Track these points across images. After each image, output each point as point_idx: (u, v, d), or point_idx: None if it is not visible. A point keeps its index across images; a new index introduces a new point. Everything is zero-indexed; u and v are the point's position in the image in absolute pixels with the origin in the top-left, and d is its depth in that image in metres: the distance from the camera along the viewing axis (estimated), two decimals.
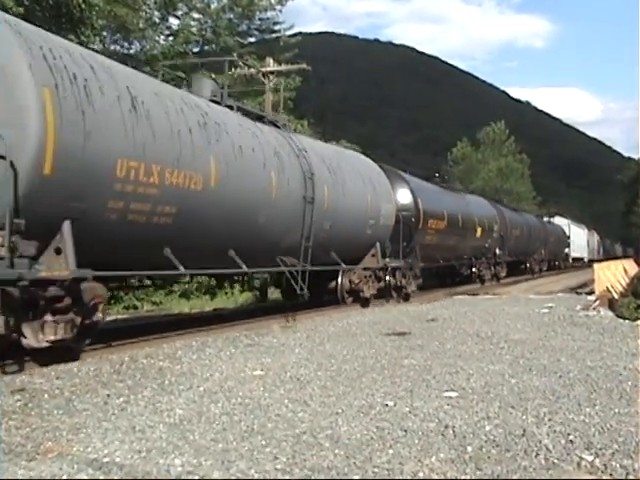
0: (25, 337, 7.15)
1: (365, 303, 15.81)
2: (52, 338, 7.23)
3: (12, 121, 7.06)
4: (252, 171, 11.19)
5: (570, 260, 50.19)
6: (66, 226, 7.49)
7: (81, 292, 7.73)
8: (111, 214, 8.23)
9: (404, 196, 18.29)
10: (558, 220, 49.34)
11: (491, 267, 27.83)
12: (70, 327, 7.50)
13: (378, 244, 16.24)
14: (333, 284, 15.26)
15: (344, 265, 14.87)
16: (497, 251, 28.01)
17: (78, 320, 7.69)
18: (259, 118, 13.08)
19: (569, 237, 49.73)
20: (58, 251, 7.44)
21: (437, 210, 20.68)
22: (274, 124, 13.49)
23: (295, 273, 12.84)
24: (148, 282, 13.33)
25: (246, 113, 12.74)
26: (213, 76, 25.70)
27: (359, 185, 15.42)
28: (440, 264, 21.83)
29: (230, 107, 12.17)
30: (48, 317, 7.25)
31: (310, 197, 12.92)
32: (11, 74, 7.12)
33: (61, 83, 7.49)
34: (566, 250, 48.96)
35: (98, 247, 8.24)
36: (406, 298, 17.81)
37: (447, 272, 24.22)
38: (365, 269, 15.92)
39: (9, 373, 7.00)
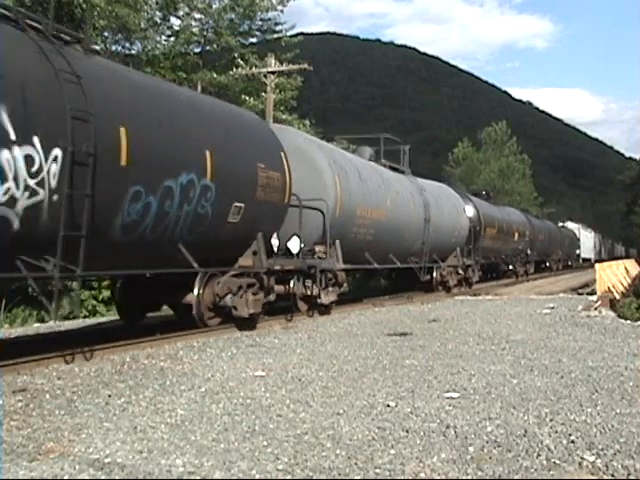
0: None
1: (449, 290, 21.35)
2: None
3: (322, 192, 13.33)
4: (402, 205, 17.63)
5: (580, 260, 55.47)
6: (337, 243, 13.96)
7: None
8: (353, 235, 14.95)
9: (470, 211, 24.30)
10: (570, 225, 55.90)
11: (524, 265, 34.03)
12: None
13: (458, 248, 22.23)
14: (428, 277, 20.51)
15: (441, 263, 20.85)
16: (528, 251, 34.25)
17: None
18: (396, 169, 19.36)
19: (579, 240, 55.87)
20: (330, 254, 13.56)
21: (491, 220, 26.99)
22: (403, 172, 19.71)
23: (418, 267, 19.33)
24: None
25: (391, 167, 18.97)
26: (215, 75, 25.78)
27: (449, 208, 21.54)
28: (491, 261, 27.90)
29: (384, 165, 18.48)
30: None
31: (427, 218, 19.13)
32: (320, 168, 13.65)
33: (339, 171, 14.19)
34: (577, 251, 55.11)
35: (349, 251, 14.49)
36: (469, 286, 23.39)
37: (492, 268, 29.47)
38: (449, 266, 21.54)
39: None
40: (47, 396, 6.01)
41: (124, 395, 6.11)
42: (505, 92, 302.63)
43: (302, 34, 33.03)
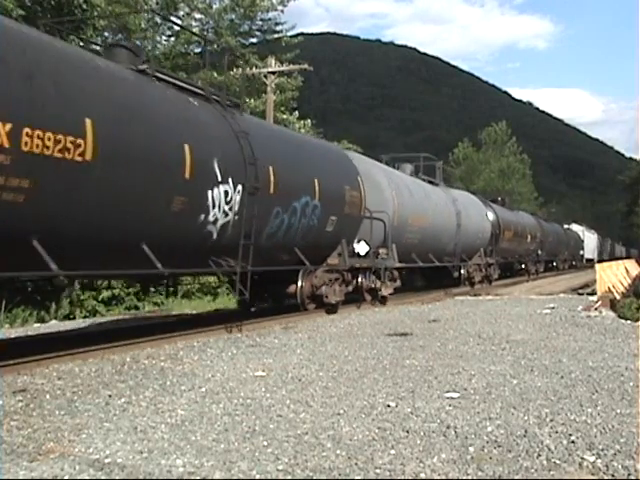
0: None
1: (473, 286, 24.32)
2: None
3: (384, 206, 15.86)
4: (440, 214, 20.60)
5: (584, 260, 57.48)
6: (394, 246, 16.50)
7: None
8: (405, 239, 17.51)
9: (491, 216, 27.20)
10: (574, 227, 58.09)
11: (535, 264, 36.71)
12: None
13: (482, 249, 25.37)
14: (457, 274, 23.62)
15: (468, 262, 24.11)
16: (539, 252, 37.10)
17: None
18: (432, 182, 22.65)
19: (583, 241, 58.28)
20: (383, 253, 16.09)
21: (508, 224, 29.96)
22: (437, 185, 23.08)
23: (451, 266, 22.64)
24: None
25: (429, 181, 22.32)
26: (215, 75, 25.77)
27: (475, 214, 24.68)
28: (508, 260, 30.71)
29: (422, 179, 21.70)
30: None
31: (459, 224, 22.06)
32: (382, 187, 16.39)
33: (395, 188, 17.07)
34: (581, 252, 57.62)
35: (401, 252, 17.07)
36: (490, 283, 26.36)
37: (508, 267, 31.87)
38: (474, 264, 24.52)
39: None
40: (47, 396, 6.01)
41: (124, 395, 6.11)
42: (505, 92, 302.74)
43: (302, 34, 33.08)
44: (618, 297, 15.69)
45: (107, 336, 9.43)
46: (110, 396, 6.06)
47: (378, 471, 4.12)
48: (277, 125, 15.27)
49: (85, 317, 16.26)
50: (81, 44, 17.13)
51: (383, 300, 16.22)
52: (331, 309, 13.74)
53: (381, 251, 15.87)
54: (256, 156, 10.58)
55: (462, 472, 4.10)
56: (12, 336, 11.53)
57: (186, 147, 9.06)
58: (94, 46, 17.26)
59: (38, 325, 14.21)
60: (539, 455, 4.43)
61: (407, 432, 4.97)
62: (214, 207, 9.68)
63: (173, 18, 25.22)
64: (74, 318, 15.84)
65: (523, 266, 34.42)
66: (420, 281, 23.62)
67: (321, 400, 5.99)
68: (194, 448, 4.55)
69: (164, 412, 5.52)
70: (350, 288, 14.80)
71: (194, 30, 27.08)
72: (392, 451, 4.51)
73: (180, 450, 4.50)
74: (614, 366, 7.75)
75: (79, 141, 7.27)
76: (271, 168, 11.13)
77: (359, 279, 15.15)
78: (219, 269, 10.55)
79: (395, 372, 7.32)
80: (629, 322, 12.38)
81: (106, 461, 4.24)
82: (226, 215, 10.01)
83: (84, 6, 18.00)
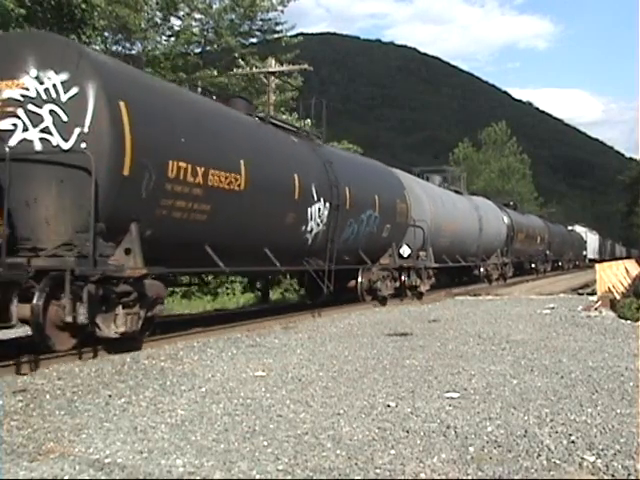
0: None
1: (491, 282, 27.29)
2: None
3: (423, 215, 18.45)
4: (465, 219, 23.39)
5: (587, 260, 59.14)
6: (430, 249, 18.93)
7: None
8: (439, 243, 19.97)
9: (506, 219, 29.97)
10: (578, 228, 60.54)
11: (543, 263, 39.69)
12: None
13: (498, 249, 28.30)
14: (476, 271, 26.95)
15: (488, 261, 27.29)
16: (547, 252, 40.09)
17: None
18: (457, 192, 25.53)
19: (586, 242, 60.60)
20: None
21: (520, 227, 32.63)
22: (461, 194, 26.01)
23: (474, 265, 25.95)
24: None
25: (455, 191, 25.19)
26: (215, 74, 25.76)
27: (493, 218, 27.57)
28: (520, 260, 33.39)
29: (449, 189, 24.57)
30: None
31: (480, 228, 24.92)
32: (421, 199, 18.69)
33: (430, 199, 19.69)
34: (584, 252, 59.98)
35: (435, 254, 19.49)
36: (504, 280, 28.93)
37: (519, 266, 34.01)
38: (492, 263, 27.66)
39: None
40: (47, 396, 6.01)
41: (124, 395, 6.11)
42: (505, 92, 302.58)
43: (302, 34, 32.97)
44: (618, 297, 15.68)
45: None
46: (110, 396, 6.06)
47: (378, 471, 4.12)
48: (348, 152, 17.83)
49: None
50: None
51: (420, 295, 18.72)
52: (382, 300, 16.45)
53: (421, 253, 18.60)
54: (337, 180, 13.69)
55: (462, 472, 4.10)
56: (12, 336, 11.52)
57: (295, 176, 12.17)
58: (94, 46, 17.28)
59: None
60: (539, 455, 4.43)
61: (407, 432, 4.97)
62: (311, 220, 12.77)
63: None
64: None
65: (533, 265, 36.97)
66: (444, 278, 24.77)
67: (321, 400, 5.99)
68: (194, 448, 4.55)
69: (164, 412, 5.52)
70: (397, 284, 17.38)
71: (194, 30, 27.10)
72: (392, 451, 4.51)
73: (180, 450, 4.50)
74: (614, 366, 7.75)
75: (237, 176, 10.26)
76: (347, 189, 14.21)
77: (402, 277, 17.70)
78: (311, 267, 13.52)
79: (395, 372, 7.32)
80: (629, 322, 12.38)
81: (106, 461, 4.24)
82: (318, 226, 13.08)
83: (84, 6, 17.97)
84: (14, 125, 8.05)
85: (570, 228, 56.97)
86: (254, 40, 29.90)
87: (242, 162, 10.35)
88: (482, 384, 6.70)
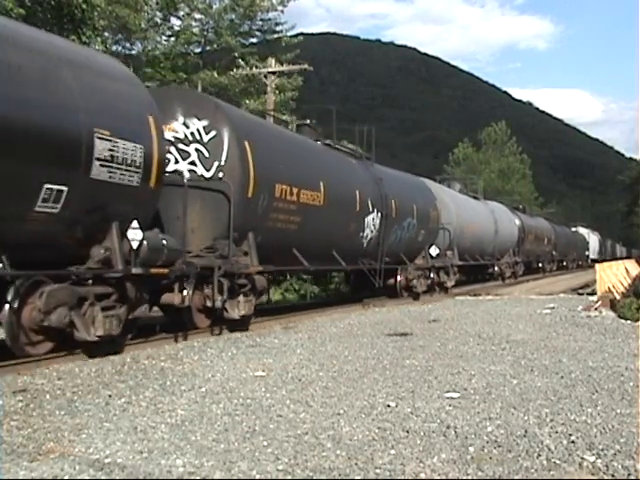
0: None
1: (504, 280, 29.62)
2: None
3: (449, 219, 21.01)
4: (483, 222, 25.92)
5: (589, 260, 60.50)
6: (455, 249, 21.61)
7: None
8: (462, 243, 21.99)
9: (517, 222, 32.64)
10: (580, 230, 62.49)
11: (549, 263, 42.50)
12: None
13: (511, 249, 30.80)
14: (490, 270, 29.33)
15: (501, 260, 29.51)
16: (554, 252, 42.84)
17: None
18: (475, 197, 28.86)
19: (588, 243, 62.53)
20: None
21: (530, 228, 35.52)
22: (478, 199, 29.07)
23: (490, 263, 28.40)
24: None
25: (473, 197, 28.38)
26: (216, 75, 25.75)
27: (507, 221, 30.36)
28: (529, 260, 35.94)
29: (468, 195, 27.72)
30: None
31: (496, 230, 27.40)
32: (448, 205, 21.38)
33: (455, 205, 22.35)
34: (587, 252, 62.02)
35: (459, 253, 22.54)
36: (515, 278, 31.48)
37: (528, 265, 36.20)
38: (505, 262, 29.89)
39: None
40: (47, 396, 6.01)
41: (124, 395, 6.11)
42: (505, 92, 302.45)
43: (302, 34, 32.92)
44: (618, 297, 15.68)
45: None
46: (110, 396, 6.06)
47: (378, 471, 4.12)
48: (393, 169, 19.84)
49: None
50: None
51: (446, 290, 21.09)
52: (416, 296, 18.83)
53: (448, 252, 20.98)
54: (386, 193, 16.51)
55: (462, 472, 4.10)
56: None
57: (357, 192, 14.93)
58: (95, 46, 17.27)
59: None
60: (539, 455, 4.43)
61: (407, 432, 4.97)
62: (367, 227, 15.46)
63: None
64: None
65: (540, 265, 39.50)
66: (462, 276, 26.73)
67: (321, 400, 5.99)
68: (194, 448, 4.55)
69: (164, 412, 5.52)
70: (429, 282, 19.72)
71: (194, 30, 27.09)
72: (392, 451, 4.51)
73: (180, 450, 4.50)
74: (614, 366, 7.75)
75: (318, 194, 12.98)
76: (393, 200, 16.93)
77: (431, 274, 19.87)
78: (364, 266, 16.12)
79: (395, 372, 7.32)
80: (629, 322, 12.38)
81: (106, 461, 4.24)
82: (371, 232, 15.77)
83: (84, 6, 17.97)
84: (168, 159, 10.12)
85: (574, 229, 58.66)
86: (254, 40, 29.92)
87: (321, 183, 13.14)
88: (482, 384, 6.70)
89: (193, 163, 10.67)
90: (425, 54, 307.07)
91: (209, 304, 10.00)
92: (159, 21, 26.88)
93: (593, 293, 18.47)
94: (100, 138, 7.58)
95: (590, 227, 68.53)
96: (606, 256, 63.21)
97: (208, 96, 12.32)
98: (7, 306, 7.12)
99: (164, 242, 8.82)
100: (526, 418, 5.39)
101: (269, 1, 28.27)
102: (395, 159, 60.55)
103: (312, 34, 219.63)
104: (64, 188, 7.23)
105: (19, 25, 8.27)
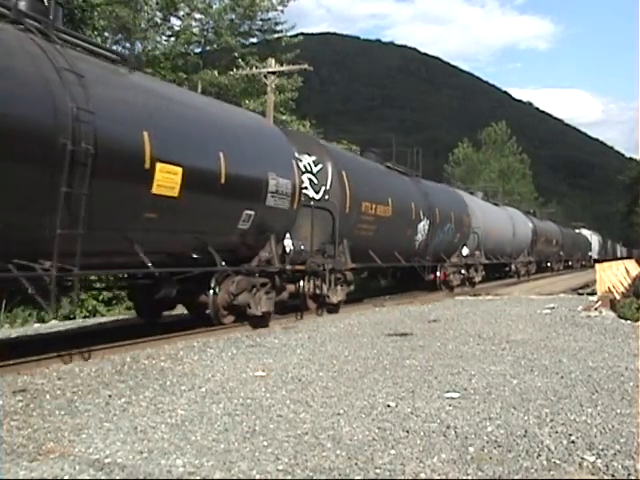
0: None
1: (519, 277, 32.50)
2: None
3: (478, 223, 24.50)
4: (503, 226, 29.10)
5: (592, 261, 61.41)
6: (482, 249, 25.74)
7: None
8: (487, 245, 26.22)
9: (530, 225, 35.80)
10: (584, 231, 64.81)
11: (557, 263, 45.38)
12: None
13: (525, 250, 33.85)
14: (507, 269, 32.17)
15: (517, 259, 32.36)
16: (561, 253, 45.88)
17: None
18: (496, 204, 32.36)
19: (591, 243, 64.62)
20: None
21: (541, 230, 38.44)
22: (498, 205, 32.18)
23: (509, 262, 31.60)
24: None
25: (493, 203, 31.58)
26: (216, 75, 25.75)
27: (522, 224, 33.54)
28: (540, 259, 39.01)
29: (494, 203, 31.84)
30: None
31: (514, 233, 30.56)
32: (476, 213, 24.91)
33: (482, 211, 26.31)
34: (589, 253, 64.29)
35: (485, 253, 26.71)
36: (528, 275, 34.18)
37: (539, 265, 38.88)
38: (520, 262, 32.87)
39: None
40: (47, 396, 6.01)
41: (124, 395, 6.11)
42: (505, 92, 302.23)
43: (302, 34, 32.90)
44: (618, 297, 15.68)
45: (107, 336, 9.42)
46: (110, 396, 6.06)
47: (378, 471, 4.12)
48: (434, 183, 22.77)
49: (85, 317, 16.26)
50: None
51: (474, 286, 24.17)
52: (451, 289, 21.91)
53: (476, 253, 24.24)
54: (432, 204, 19.84)
55: (462, 472, 4.10)
56: (12, 336, 11.53)
57: (412, 204, 18.38)
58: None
59: (38, 325, 14.21)
60: (539, 455, 4.43)
61: (407, 432, 4.97)
62: (419, 232, 18.83)
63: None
64: (74, 318, 15.83)
65: (549, 264, 42.82)
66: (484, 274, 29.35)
67: (321, 400, 5.99)
68: (194, 448, 4.55)
69: (164, 412, 5.52)
70: (462, 277, 22.93)
71: (194, 30, 27.10)
72: (392, 451, 4.51)
73: (180, 450, 4.50)
74: (614, 366, 7.75)
75: (388, 208, 16.36)
76: (437, 209, 20.23)
77: (463, 271, 22.96)
78: (416, 263, 19.38)
79: (395, 372, 7.32)
80: (629, 322, 12.38)
81: (106, 461, 4.24)
82: (422, 236, 19.13)
83: (84, 6, 17.96)
84: (305, 187, 13.33)
85: (577, 231, 60.82)
86: (254, 40, 29.96)
87: (390, 198, 16.59)
88: (482, 384, 6.70)
89: (306, 188, 13.54)
90: (425, 54, 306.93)
91: (318, 292, 13.53)
92: (159, 21, 26.91)
93: (593, 293, 18.47)
94: (271, 178, 11.17)
95: (590, 227, 69.22)
96: (607, 256, 63.77)
97: (314, 137, 17.23)
98: (211, 291, 10.42)
99: (302, 247, 12.50)
100: (526, 418, 5.39)
101: (269, 1, 28.30)
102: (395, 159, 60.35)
103: (312, 34, 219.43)
104: (252, 212, 10.70)
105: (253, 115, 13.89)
